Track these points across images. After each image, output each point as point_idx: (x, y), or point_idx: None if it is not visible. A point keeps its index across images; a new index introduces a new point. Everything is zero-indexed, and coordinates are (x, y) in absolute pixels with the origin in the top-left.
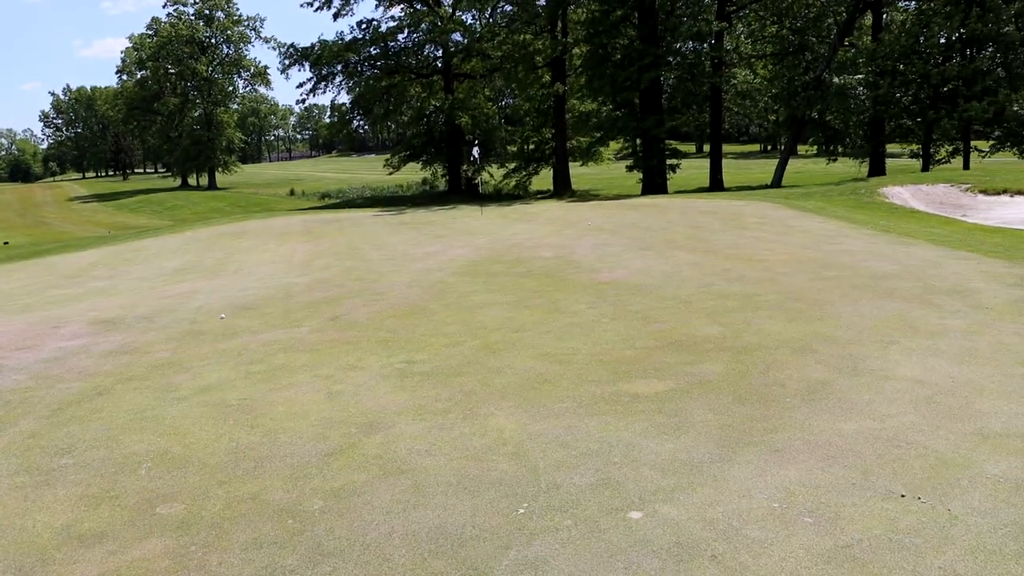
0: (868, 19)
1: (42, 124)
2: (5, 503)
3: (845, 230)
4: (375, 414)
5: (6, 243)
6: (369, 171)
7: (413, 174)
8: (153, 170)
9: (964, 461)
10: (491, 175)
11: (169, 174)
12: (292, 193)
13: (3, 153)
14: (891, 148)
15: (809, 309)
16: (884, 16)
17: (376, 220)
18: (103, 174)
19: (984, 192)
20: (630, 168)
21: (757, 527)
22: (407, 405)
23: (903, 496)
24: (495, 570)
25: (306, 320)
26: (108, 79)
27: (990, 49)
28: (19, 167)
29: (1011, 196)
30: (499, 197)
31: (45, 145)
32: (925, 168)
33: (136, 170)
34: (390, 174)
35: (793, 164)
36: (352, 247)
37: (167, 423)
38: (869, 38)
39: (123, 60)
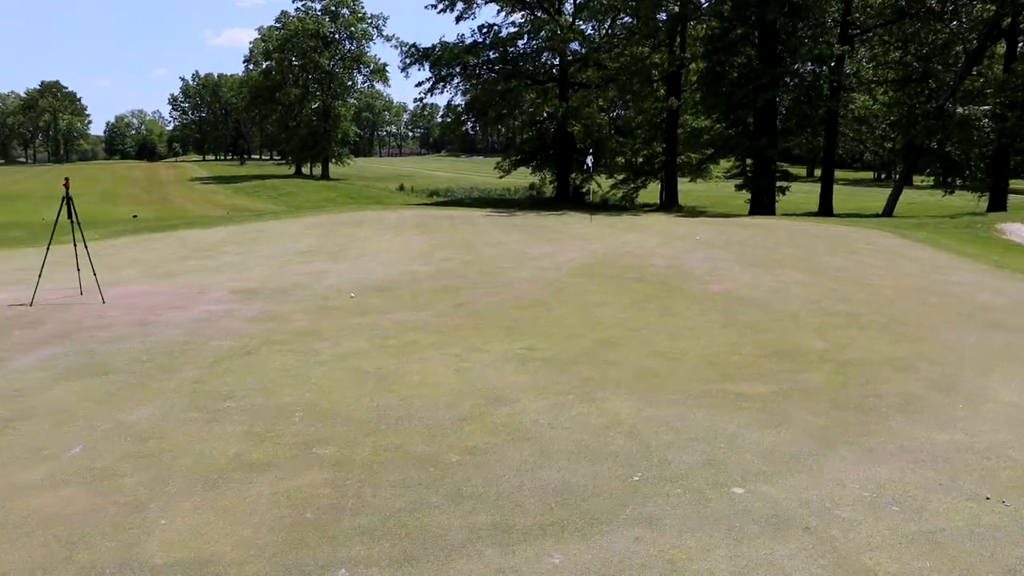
0: (1001, 48)
1: (170, 107)
2: (184, 432)
3: (956, 262)
4: (500, 390)
5: (135, 216)
6: (476, 172)
7: (520, 179)
8: (269, 157)
9: None
10: (599, 185)
11: (284, 162)
12: (402, 188)
13: (133, 132)
14: (1015, 184)
15: (912, 332)
16: (1020, 45)
17: (488, 220)
18: (222, 157)
19: None
20: (739, 187)
21: (848, 509)
22: (529, 385)
23: (988, 498)
24: (614, 521)
25: (432, 304)
26: (234, 67)
27: None
28: (146, 146)
29: None
30: (606, 207)
31: (171, 127)
32: None
33: (253, 156)
34: (500, 177)
35: (907, 195)
36: (468, 243)
37: (312, 382)
38: (1000, 68)
39: (251, 50)
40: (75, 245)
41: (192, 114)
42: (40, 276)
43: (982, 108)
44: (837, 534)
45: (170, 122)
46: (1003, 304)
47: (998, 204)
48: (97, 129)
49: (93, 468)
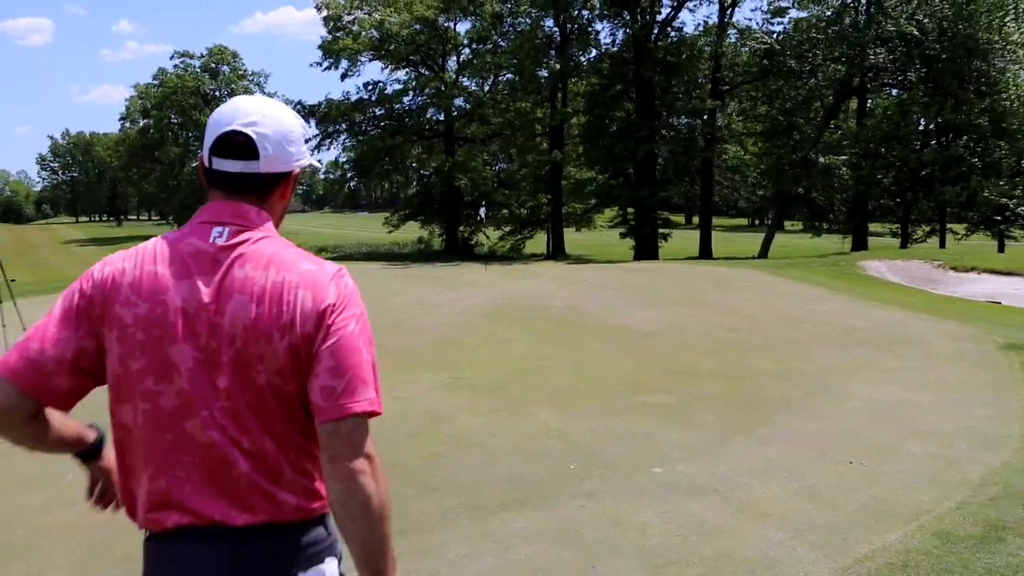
0: (854, 103)
1: (38, 167)
2: None
3: (825, 295)
4: (439, 411)
5: (13, 280)
6: (361, 228)
7: (407, 233)
8: (147, 217)
9: (896, 446)
10: (487, 236)
11: (164, 221)
12: None
13: None
14: (874, 226)
15: (790, 352)
16: (868, 102)
17: (385, 272)
18: (97, 219)
19: (954, 269)
20: (623, 235)
21: (746, 477)
22: (464, 406)
23: (850, 463)
24: (560, 497)
25: None
26: (103, 125)
27: (964, 139)
28: (11, 208)
29: (978, 273)
30: (495, 257)
31: (39, 187)
32: (903, 245)
33: (130, 216)
34: (389, 232)
35: (780, 238)
36: (372, 294)
37: None
38: (854, 121)
39: (127, 108)
40: (0, 303)
41: (63, 173)
42: None
43: (840, 158)
44: (740, 493)
45: (38, 182)
46: (864, 326)
47: (860, 244)
48: None
49: None
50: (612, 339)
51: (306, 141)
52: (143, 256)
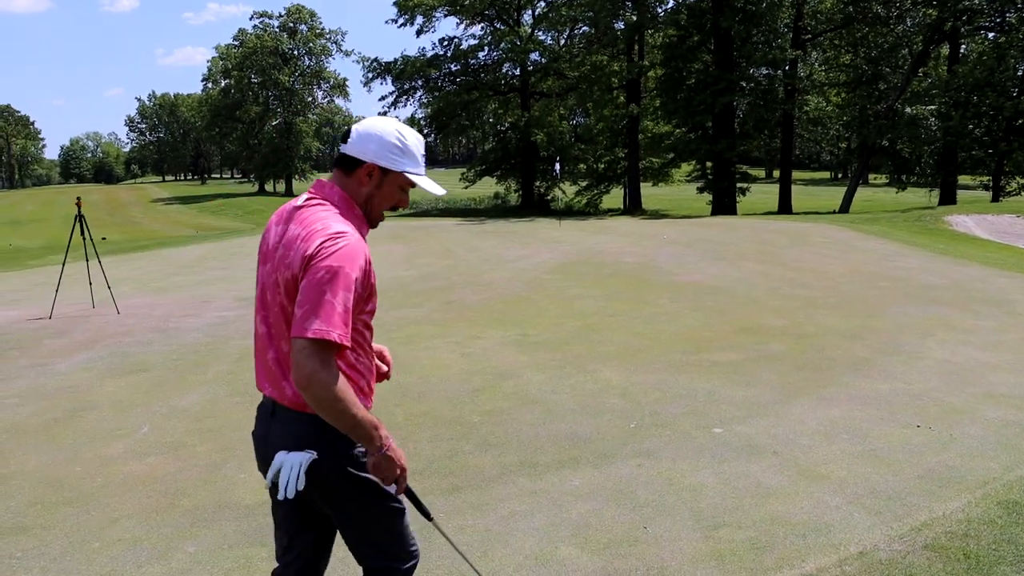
0: (945, 49)
1: (127, 128)
2: (234, 412)
3: (905, 251)
4: (504, 367)
5: (104, 238)
6: (440, 184)
7: (483, 189)
8: (230, 175)
9: (969, 409)
10: (563, 191)
11: (246, 180)
12: None
13: (88, 155)
14: (964, 179)
15: (862, 309)
16: (961, 47)
17: (461, 228)
18: (182, 178)
19: None
20: (700, 190)
21: (807, 438)
22: (528, 363)
23: (918, 426)
24: (618, 455)
25: (425, 303)
26: (186, 86)
27: None
28: (103, 169)
29: None
30: (571, 213)
31: (128, 148)
32: (995, 199)
33: (214, 175)
34: (465, 187)
35: (863, 192)
36: (446, 249)
37: None
38: (945, 69)
39: (209, 69)
40: (87, 261)
41: (150, 135)
42: (57, 292)
43: (929, 108)
44: (799, 455)
45: (127, 143)
46: (942, 284)
47: (948, 198)
48: (51, 153)
49: (165, 442)
50: (680, 295)
51: (381, 99)
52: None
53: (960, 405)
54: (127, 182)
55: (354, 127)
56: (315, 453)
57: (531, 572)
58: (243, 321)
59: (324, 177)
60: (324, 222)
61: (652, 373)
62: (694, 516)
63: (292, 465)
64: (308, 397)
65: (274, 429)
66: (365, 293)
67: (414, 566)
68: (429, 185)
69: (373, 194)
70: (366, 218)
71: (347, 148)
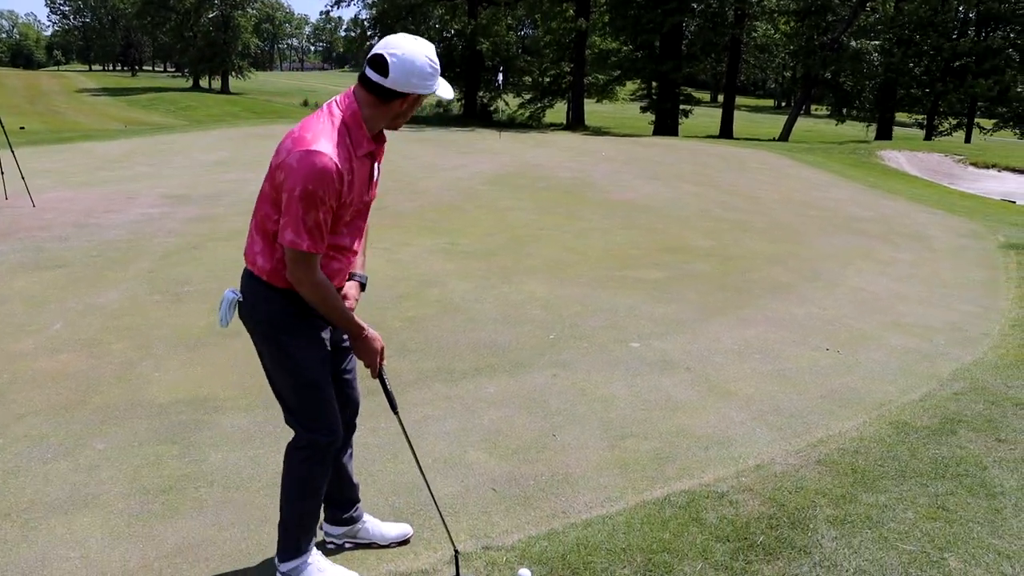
0: None
1: (47, 9)
2: (154, 310)
3: (836, 181)
4: (430, 275)
5: (22, 128)
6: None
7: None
8: (163, 68)
9: (876, 335)
10: (507, 104)
11: (180, 74)
12: (306, 104)
13: (3, 36)
14: (901, 117)
15: (789, 236)
16: None
17: (399, 135)
18: (110, 68)
19: (975, 165)
20: (644, 109)
21: (720, 356)
22: (455, 271)
23: (827, 349)
24: (535, 365)
25: None
26: None
27: (1005, 30)
28: (20, 52)
29: (998, 171)
30: (513, 125)
31: (49, 32)
32: (928, 138)
33: (145, 67)
34: None
35: (804, 122)
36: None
37: None
38: (892, 5)
39: None
40: None
41: (74, 18)
42: None
43: (873, 43)
44: (711, 372)
45: (48, 26)
46: (868, 216)
47: (885, 134)
48: None
49: (79, 339)
50: (612, 212)
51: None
52: None
53: (869, 331)
54: (49, 68)
55: (389, 59)
56: (240, 295)
57: (439, 474)
58: (168, 219)
59: (263, 75)
60: (314, 133)
61: (576, 287)
62: (603, 426)
63: (225, 300)
64: (301, 293)
65: (242, 275)
66: (338, 206)
67: (331, 444)
68: (446, 92)
69: (404, 112)
70: (390, 127)
71: (389, 83)
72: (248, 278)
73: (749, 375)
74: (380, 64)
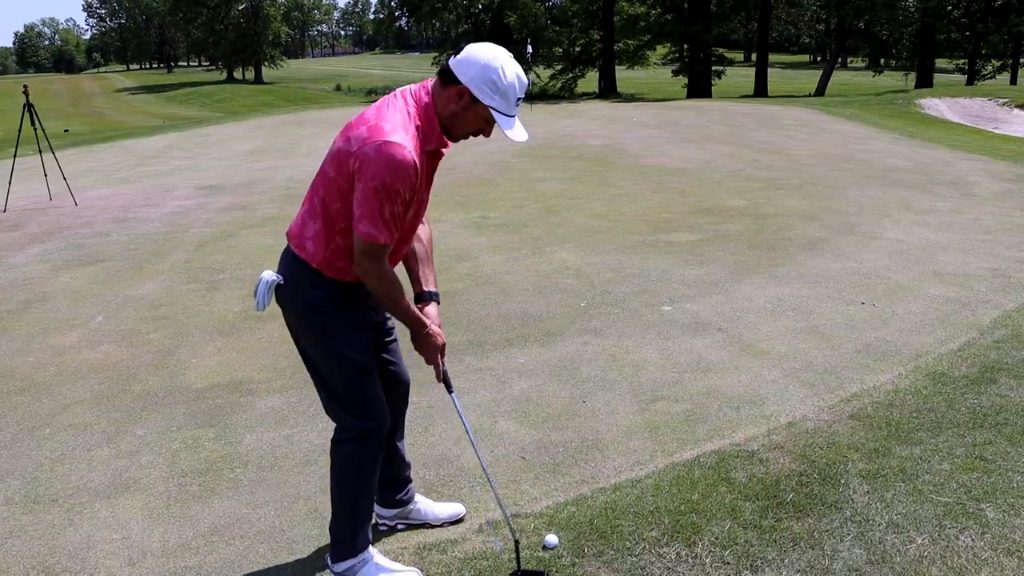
0: None
1: (85, 14)
2: (189, 299)
3: (873, 133)
4: (462, 250)
5: (66, 130)
6: (413, 69)
7: None
8: (197, 63)
9: (914, 287)
10: (538, 76)
11: (214, 67)
12: (338, 88)
13: (46, 43)
14: (941, 63)
15: (823, 191)
16: None
17: None
18: (147, 66)
19: (1020, 107)
20: (676, 73)
21: (753, 315)
22: (486, 245)
23: (863, 303)
24: (566, 333)
25: None
26: None
27: None
28: (63, 57)
29: None
30: (545, 97)
31: (88, 36)
32: (970, 82)
33: (180, 63)
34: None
35: (841, 76)
36: None
37: None
38: None
39: None
40: (40, 152)
41: (110, 20)
42: (9, 184)
43: None
44: (743, 331)
45: (87, 30)
46: (906, 166)
47: (925, 82)
48: (5, 40)
49: (119, 330)
50: (644, 177)
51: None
52: None
53: (906, 283)
54: (90, 71)
55: (467, 46)
56: (281, 278)
57: (469, 446)
58: (203, 210)
59: (295, 63)
60: (391, 123)
61: (608, 254)
62: (633, 390)
63: (264, 283)
64: (367, 286)
65: (281, 256)
66: (410, 199)
67: (376, 430)
68: (511, 130)
69: (458, 114)
70: (445, 132)
71: (452, 63)
72: (292, 260)
73: (782, 333)
74: (460, 49)
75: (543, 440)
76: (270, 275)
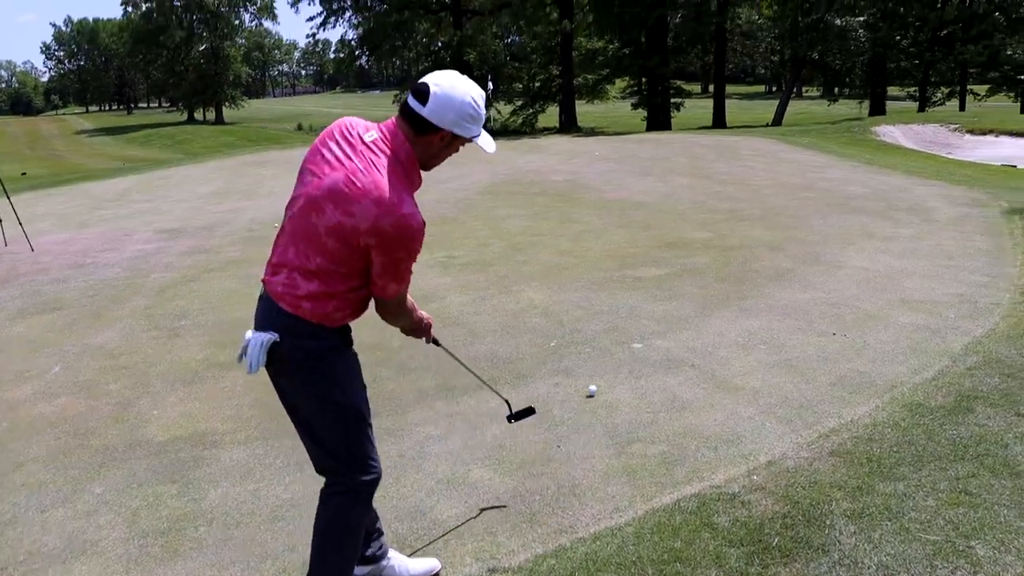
0: None
1: (43, 56)
2: (150, 347)
3: (832, 161)
4: (428, 290)
5: (23, 174)
6: (374, 107)
7: None
8: (157, 104)
9: (883, 315)
10: (499, 111)
11: (174, 108)
12: (300, 128)
13: (3, 86)
14: (893, 90)
15: (786, 221)
16: None
17: None
18: (107, 108)
19: (971, 132)
20: (635, 106)
21: (725, 350)
22: (452, 285)
23: (834, 334)
24: (536, 374)
25: None
26: (105, 10)
27: None
28: (20, 100)
29: (996, 136)
30: (506, 132)
31: (46, 78)
32: (921, 109)
33: (140, 104)
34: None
35: (796, 105)
36: None
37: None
38: None
39: None
40: None
41: (69, 62)
42: None
43: (858, 19)
44: (716, 367)
45: (45, 72)
46: (865, 193)
47: (878, 109)
48: None
49: (77, 381)
50: (607, 212)
51: (309, 19)
52: None
53: (875, 312)
54: (48, 113)
55: (432, 89)
56: (276, 335)
57: (442, 496)
58: (164, 254)
59: (256, 102)
60: (395, 191)
61: (575, 291)
62: (608, 432)
63: (256, 343)
64: (390, 323)
65: (257, 310)
66: None
67: (374, 481)
68: (487, 144)
69: (439, 153)
70: (422, 168)
71: (425, 113)
72: (285, 317)
73: (755, 367)
74: (422, 93)
75: (519, 488)
76: (261, 335)
